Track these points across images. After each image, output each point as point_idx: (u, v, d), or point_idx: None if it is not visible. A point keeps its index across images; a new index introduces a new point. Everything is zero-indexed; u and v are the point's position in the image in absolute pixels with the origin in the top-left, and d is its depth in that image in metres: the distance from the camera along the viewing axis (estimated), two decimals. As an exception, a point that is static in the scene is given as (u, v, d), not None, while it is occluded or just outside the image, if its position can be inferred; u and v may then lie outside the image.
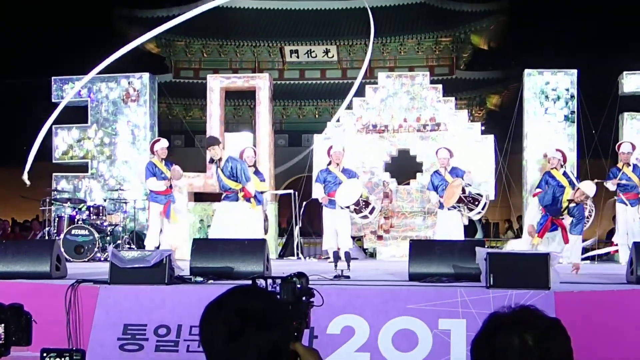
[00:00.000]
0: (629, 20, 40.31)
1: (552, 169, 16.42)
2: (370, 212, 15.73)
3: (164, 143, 15.92)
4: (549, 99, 18.17)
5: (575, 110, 18.05)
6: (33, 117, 21.47)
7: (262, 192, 15.44)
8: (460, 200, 15.43)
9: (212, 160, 14.19)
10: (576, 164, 17.73)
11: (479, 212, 15.76)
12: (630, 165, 15.51)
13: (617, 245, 16.64)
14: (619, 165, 16.33)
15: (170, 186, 15.76)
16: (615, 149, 14.68)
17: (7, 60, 41.39)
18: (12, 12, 44.55)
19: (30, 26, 44.38)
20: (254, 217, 14.65)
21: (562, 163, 16.23)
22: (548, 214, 13.51)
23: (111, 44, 21.53)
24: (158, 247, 15.05)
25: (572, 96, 18.12)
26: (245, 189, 13.85)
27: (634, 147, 15.15)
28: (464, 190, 15.42)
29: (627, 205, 16.11)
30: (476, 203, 15.47)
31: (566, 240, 13.27)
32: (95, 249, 16.69)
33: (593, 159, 17.98)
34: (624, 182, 16.08)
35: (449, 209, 15.67)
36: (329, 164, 15.61)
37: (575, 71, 18.29)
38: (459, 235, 15.47)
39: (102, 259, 16.39)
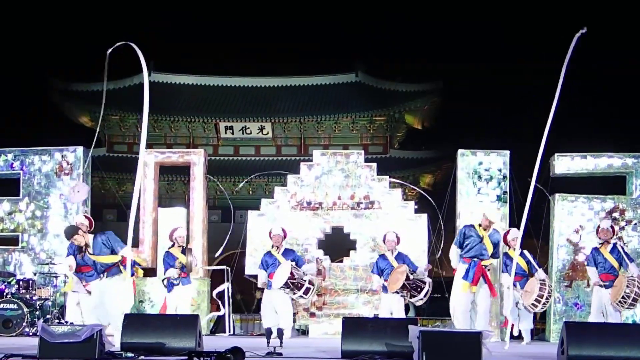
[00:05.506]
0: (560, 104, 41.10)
1: (510, 249, 16.08)
2: (305, 293, 15.88)
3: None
4: (481, 179, 18.31)
5: (508, 190, 18.20)
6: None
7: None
8: (403, 287, 15.62)
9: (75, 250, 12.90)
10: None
11: (421, 299, 15.97)
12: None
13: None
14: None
15: None
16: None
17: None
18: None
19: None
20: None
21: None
22: None
23: (46, 115, 21.40)
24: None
25: (504, 176, 18.27)
26: (124, 257, 12.60)
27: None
28: (408, 277, 15.60)
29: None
30: (419, 290, 15.75)
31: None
32: (24, 324, 16.51)
33: (524, 239, 18.11)
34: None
35: (392, 293, 15.90)
36: (272, 246, 16.15)
37: (507, 152, 18.44)
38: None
39: (31, 333, 16.18)
